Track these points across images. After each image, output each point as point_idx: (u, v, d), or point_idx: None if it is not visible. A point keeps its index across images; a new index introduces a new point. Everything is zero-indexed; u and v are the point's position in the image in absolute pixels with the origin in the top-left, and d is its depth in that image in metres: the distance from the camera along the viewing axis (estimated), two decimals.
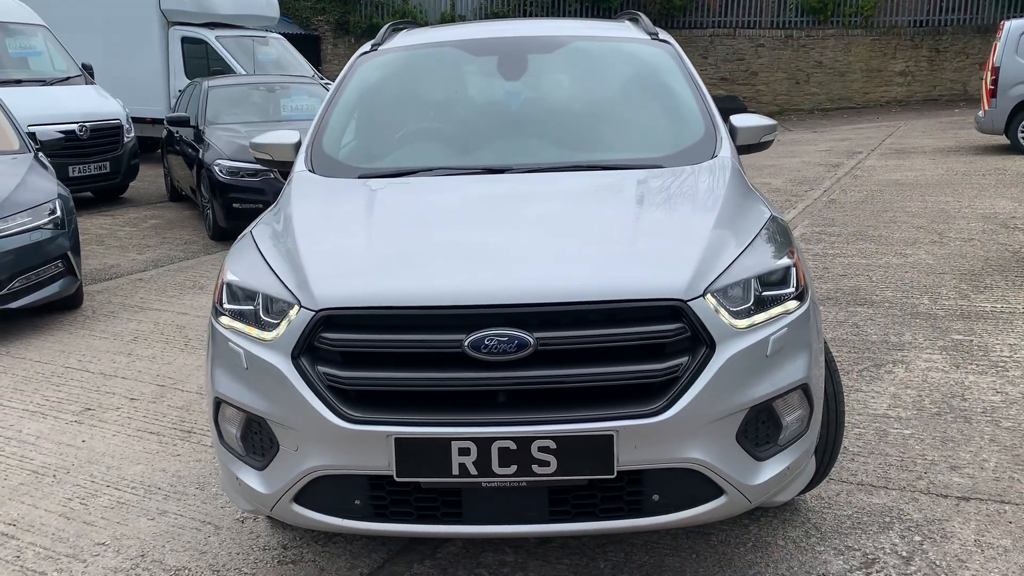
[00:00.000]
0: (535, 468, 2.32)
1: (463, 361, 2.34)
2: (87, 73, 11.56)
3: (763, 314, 2.53)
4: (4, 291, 5.54)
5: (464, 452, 2.32)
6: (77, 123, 10.33)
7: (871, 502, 3.27)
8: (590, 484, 2.38)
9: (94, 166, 10.56)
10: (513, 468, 2.32)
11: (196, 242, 8.87)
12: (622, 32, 4.15)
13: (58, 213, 5.96)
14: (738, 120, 3.72)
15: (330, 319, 2.42)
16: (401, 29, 4.47)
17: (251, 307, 2.61)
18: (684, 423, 2.36)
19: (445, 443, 2.32)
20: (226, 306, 2.68)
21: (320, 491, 2.46)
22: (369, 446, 2.35)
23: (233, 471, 2.67)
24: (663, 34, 4.14)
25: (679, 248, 2.56)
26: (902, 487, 3.37)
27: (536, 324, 2.35)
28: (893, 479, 3.44)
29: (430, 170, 3.26)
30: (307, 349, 2.43)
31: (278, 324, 2.49)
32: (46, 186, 6.13)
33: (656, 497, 2.41)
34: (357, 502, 2.44)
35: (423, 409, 2.36)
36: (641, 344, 2.37)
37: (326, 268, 2.54)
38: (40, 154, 6.90)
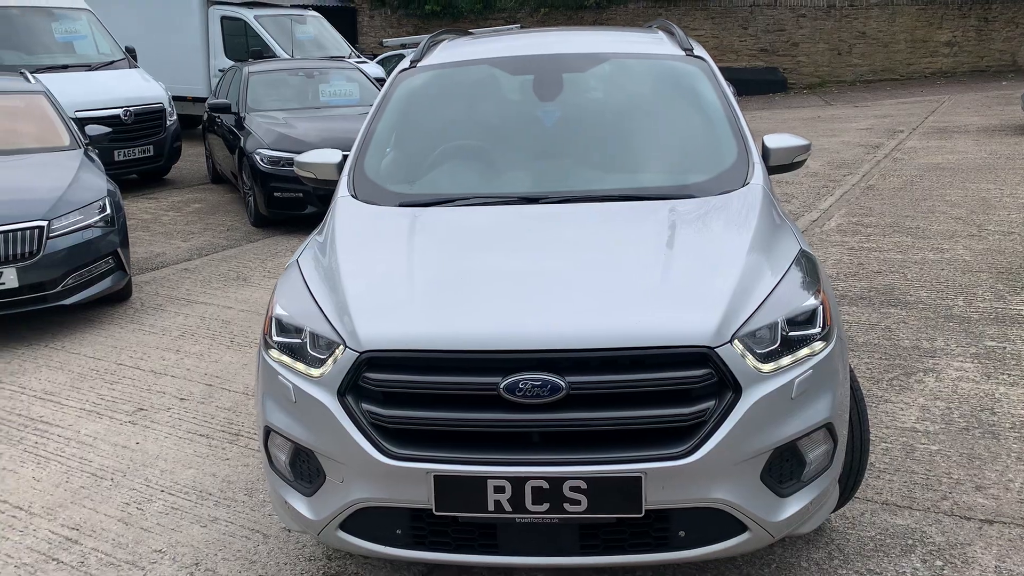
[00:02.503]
0: (567, 506, 2.45)
1: (499, 403, 2.47)
2: (130, 57, 11.77)
3: (789, 356, 2.62)
4: (58, 288, 5.76)
5: (499, 490, 2.45)
6: (122, 108, 10.56)
7: (895, 523, 3.36)
8: (619, 521, 2.50)
9: (138, 150, 10.80)
10: (546, 506, 2.45)
11: (238, 228, 9.08)
12: (657, 48, 4.20)
13: (108, 210, 6.16)
14: (771, 141, 3.78)
15: (373, 360, 2.55)
16: (442, 40, 4.56)
17: (299, 340, 2.75)
18: (710, 465, 2.47)
19: (482, 481, 2.45)
20: (275, 339, 2.83)
21: (364, 520, 2.61)
22: (410, 482, 2.49)
23: (282, 495, 2.83)
24: (698, 49, 4.18)
25: (708, 292, 2.65)
26: (926, 507, 3.45)
27: (568, 368, 2.46)
28: (918, 499, 3.52)
29: (467, 198, 3.36)
30: (352, 387, 2.57)
31: (325, 361, 2.64)
32: (97, 183, 6.33)
33: (682, 533, 2.53)
34: (398, 531, 2.59)
35: (462, 448, 2.50)
36: (670, 389, 2.47)
37: (369, 309, 2.67)
38: (89, 149, 7.10)
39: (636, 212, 3.17)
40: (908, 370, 4.78)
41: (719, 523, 2.54)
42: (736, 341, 2.53)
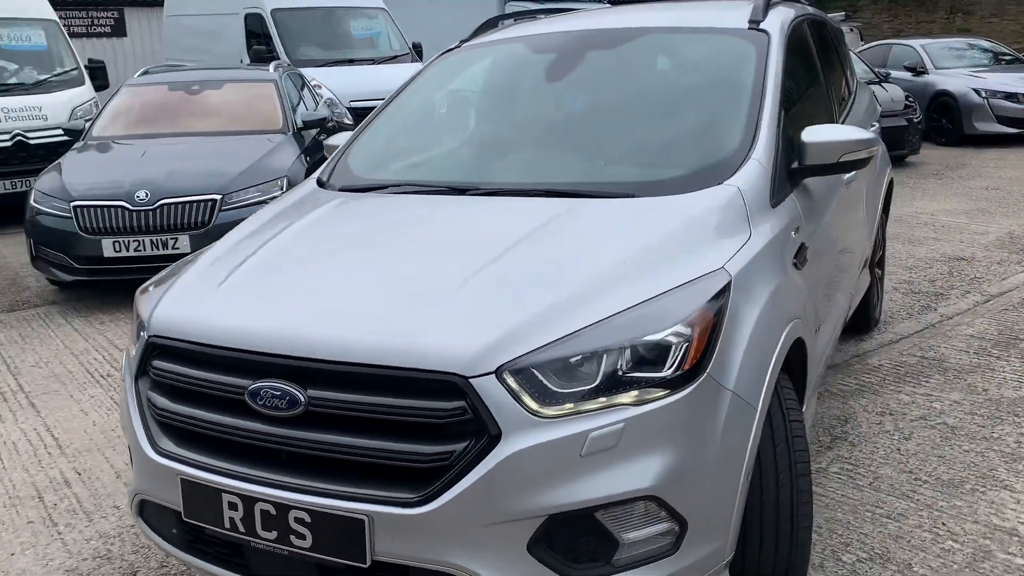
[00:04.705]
0: (293, 539, 2.13)
1: (246, 410, 2.20)
2: (415, 52, 12.59)
3: (593, 402, 2.03)
4: None
5: (232, 507, 2.20)
6: (383, 99, 11.31)
7: None
8: (349, 568, 2.11)
9: None
10: (274, 534, 2.15)
11: None
12: (717, 20, 3.51)
13: (285, 188, 6.61)
14: (809, 134, 2.96)
15: (157, 346, 2.42)
16: (507, 22, 4.23)
17: None
18: (449, 520, 1.99)
19: (217, 494, 2.21)
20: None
21: (151, 512, 2.49)
22: (167, 480, 2.33)
23: None
24: (769, 22, 3.41)
25: (497, 309, 2.13)
26: None
27: (311, 381, 2.13)
28: None
29: (399, 184, 3.06)
30: (144, 372, 2.46)
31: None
32: (283, 163, 6.82)
33: None
34: (174, 531, 2.43)
35: (213, 454, 2.27)
36: (416, 421, 2.04)
37: (179, 292, 2.54)
38: (301, 132, 7.67)
39: (530, 213, 2.64)
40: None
41: None
42: (506, 373, 2.00)
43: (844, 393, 4.28)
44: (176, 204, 6.21)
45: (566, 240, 2.44)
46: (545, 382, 2.03)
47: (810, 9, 4.41)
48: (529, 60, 3.62)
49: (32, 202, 6.54)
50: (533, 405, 2.00)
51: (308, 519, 2.09)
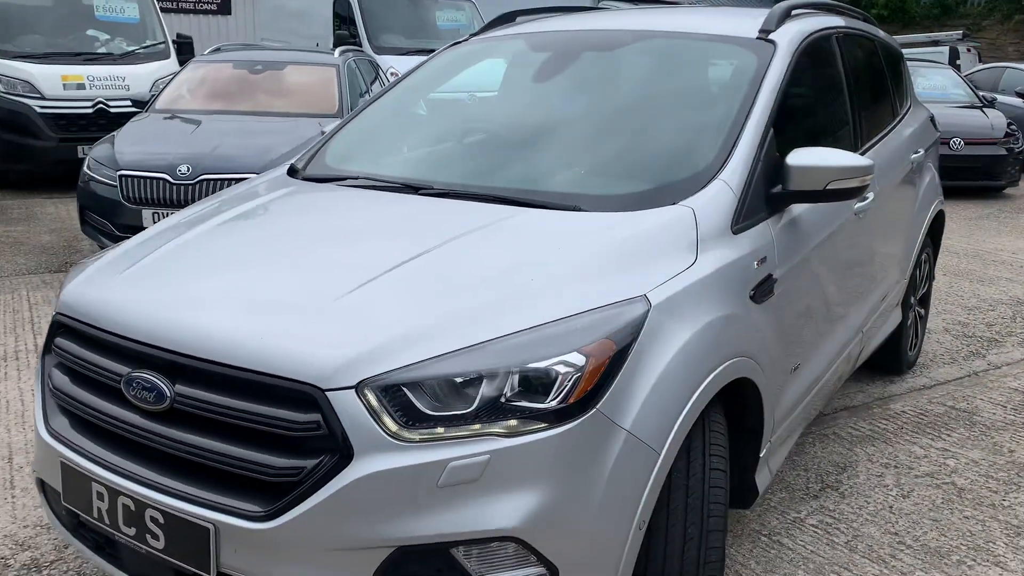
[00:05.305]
0: (148, 538, 2.05)
1: (122, 399, 2.13)
2: None
3: (464, 428, 1.87)
4: None
5: (100, 497, 2.14)
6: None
7: None
8: None
9: None
10: (133, 531, 2.08)
11: None
12: (730, 28, 3.26)
13: None
14: (796, 157, 2.70)
15: (60, 324, 2.38)
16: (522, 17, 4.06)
17: None
18: (293, 540, 1.87)
19: (88, 482, 2.15)
20: None
21: (48, 491, 2.45)
22: (52, 462, 2.28)
23: None
24: (780, 33, 3.15)
25: (385, 317, 1.99)
26: None
27: (179, 376, 2.04)
28: None
29: (355, 177, 2.95)
30: (49, 349, 2.43)
31: None
32: None
33: None
34: (63, 512, 2.38)
35: (92, 440, 2.21)
36: (272, 431, 1.92)
37: (92, 273, 2.48)
38: None
39: (465, 216, 2.48)
40: None
41: None
42: (367, 389, 1.86)
43: (852, 438, 3.97)
44: (216, 180, 6.26)
45: (486, 250, 2.29)
46: (416, 402, 1.88)
47: (860, 24, 4.12)
48: (523, 59, 3.47)
49: (85, 168, 6.71)
50: (393, 427, 1.85)
51: (162, 520, 2.01)
